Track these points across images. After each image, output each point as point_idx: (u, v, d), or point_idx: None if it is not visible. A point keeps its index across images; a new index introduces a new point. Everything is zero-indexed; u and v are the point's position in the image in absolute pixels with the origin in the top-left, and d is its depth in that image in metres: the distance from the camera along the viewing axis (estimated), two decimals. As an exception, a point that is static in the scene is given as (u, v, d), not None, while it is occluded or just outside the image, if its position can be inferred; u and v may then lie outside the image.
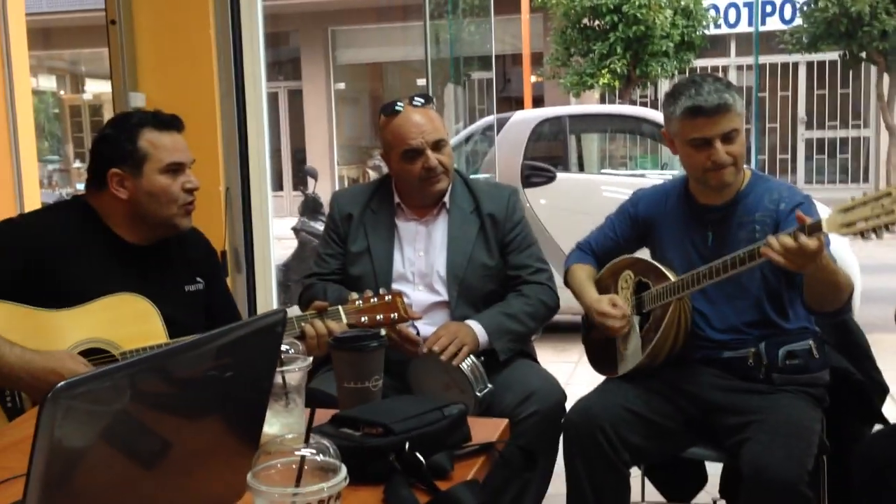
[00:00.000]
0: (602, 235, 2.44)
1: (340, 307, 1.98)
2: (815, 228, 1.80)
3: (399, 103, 2.35)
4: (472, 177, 2.56)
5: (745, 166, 2.19)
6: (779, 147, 15.67)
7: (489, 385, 2.16)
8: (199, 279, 2.08)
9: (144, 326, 1.85)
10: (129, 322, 1.85)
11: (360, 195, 2.46)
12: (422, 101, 2.35)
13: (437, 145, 2.30)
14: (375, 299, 1.99)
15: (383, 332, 1.98)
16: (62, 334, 1.81)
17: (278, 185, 15.68)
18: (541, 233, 5.84)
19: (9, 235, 1.86)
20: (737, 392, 2.09)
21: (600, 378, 2.37)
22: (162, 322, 1.87)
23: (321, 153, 15.54)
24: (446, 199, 2.40)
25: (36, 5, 13.75)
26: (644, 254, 2.37)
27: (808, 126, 15.64)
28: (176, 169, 1.97)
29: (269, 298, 3.55)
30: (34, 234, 1.87)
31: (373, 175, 15.57)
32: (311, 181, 7.02)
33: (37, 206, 3.92)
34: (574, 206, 5.79)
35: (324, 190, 14.22)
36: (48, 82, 16.99)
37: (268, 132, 3.47)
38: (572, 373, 5.09)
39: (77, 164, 15.31)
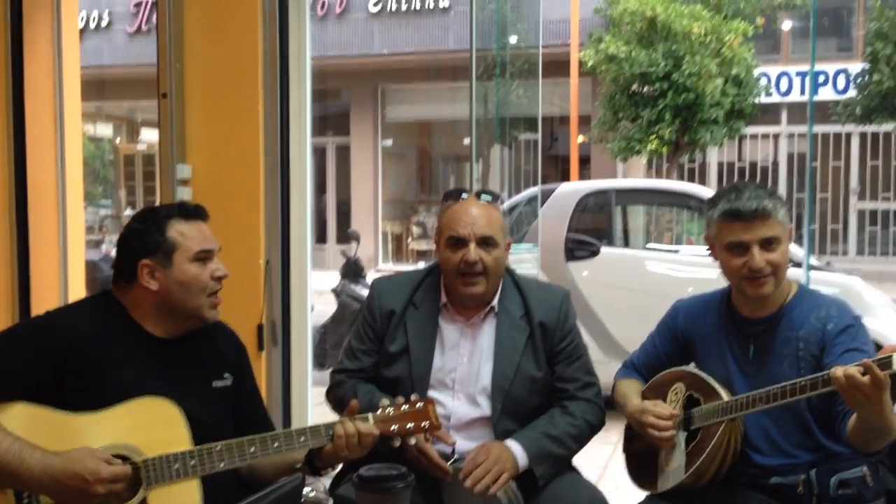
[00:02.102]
0: (644, 352, 2.36)
1: (370, 414, 1.92)
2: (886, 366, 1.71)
3: (465, 193, 2.25)
4: (521, 275, 2.39)
5: (792, 280, 2.12)
6: (830, 217, 15.42)
7: None
8: (227, 374, 2.04)
9: (169, 432, 1.81)
10: (154, 428, 1.81)
11: (403, 287, 2.31)
12: (489, 197, 2.25)
13: (485, 242, 2.17)
14: (406, 406, 1.92)
15: (413, 440, 1.93)
16: (86, 439, 1.77)
17: (322, 238, 15.82)
18: (583, 307, 5.75)
19: (39, 336, 1.85)
20: (785, 522, 1.99)
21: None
22: (187, 428, 1.83)
23: (366, 208, 15.67)
24: (495, 302, 2.26)
25: (96, 59, 14.21)
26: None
27: (861, 197, 15.39)
28: (204, 257, 1.97)
29: (304, 372, 3.52)
30: (64, 334, 1.85)
31: (416, 231, 15.67)
32: (353, 244, 7.04)
33: (80, 251, 3.97)
34: (617, 281, 5.72)
35: (368, 245, 14.32)
36: (105, 129, 17.48)
37: (310, 208, 3.48)
38: (611, 455, 4.95)
39: (128, 211, 15.63)
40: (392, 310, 2.27)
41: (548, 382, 2.26)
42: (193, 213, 1.99)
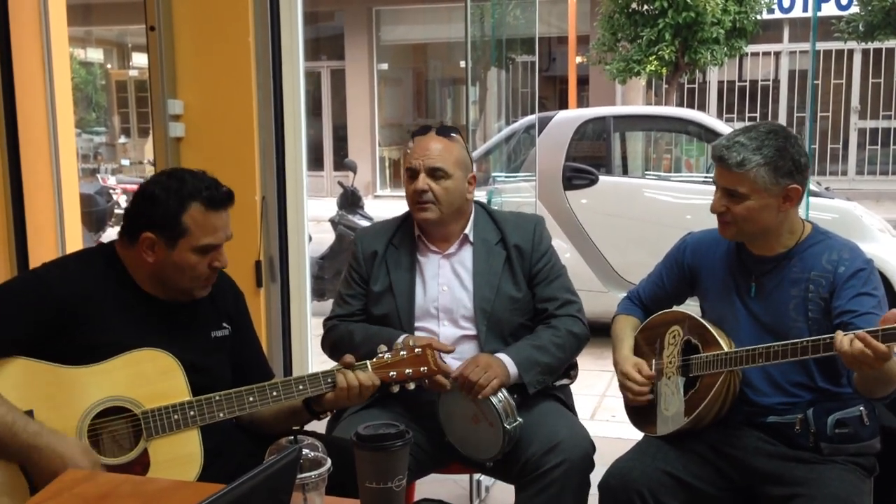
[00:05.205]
0: (651, 284, 2.35)
1: (368, 362, 1.92)
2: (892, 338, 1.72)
3: (429, 128, 2.35)
4: (495, 208, 2.53)
5: (805, 220, 2.10)
6: (830, 136, 15.26)
7: (519, 419, 2.13)
8: (225, 325, 2.03)
9: (167, 383, 1.81)
10: (151, 379, 1.81)
11: (384, 231, 2.42)
12: (448, 131, 2.34)
13: (434, 173, 2.25)
14: (405, 353, 1.93)
15: (412, 386, 1.94)
16: (84, 392, 1.78)
17: (319, 166, 15.70)
18: (581, 236, 5.75)
19: (35, 291, 1.83)
20: (782, 459, 2.00)
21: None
22: (185, 378, 1.84)
23: (363, 134, 15.50)
24: (468, 231, 2.35)
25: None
26: (693, 305, 2.28)
27: (862, 115, 15.21)
28: (209, 250, 1.90)
29: (303, 307, 3.52)
30: (58, 292, 1.83)
31: (414, 156, 15.51)
32: (349, 174, 6.99)
33: (74, 176, 3.90)
34: (615, 209, 5.70)
35: (365, 171, 14.19)
36: (96, 54, 17.16)
37: (305, 144, 3.42)
38: (608, 384, 5.01)
39: (122, 139, 15.45)
40: (374, 251, 2.38)
41: (529, 303, 2.35)
42: (220, 202, 1.88)
